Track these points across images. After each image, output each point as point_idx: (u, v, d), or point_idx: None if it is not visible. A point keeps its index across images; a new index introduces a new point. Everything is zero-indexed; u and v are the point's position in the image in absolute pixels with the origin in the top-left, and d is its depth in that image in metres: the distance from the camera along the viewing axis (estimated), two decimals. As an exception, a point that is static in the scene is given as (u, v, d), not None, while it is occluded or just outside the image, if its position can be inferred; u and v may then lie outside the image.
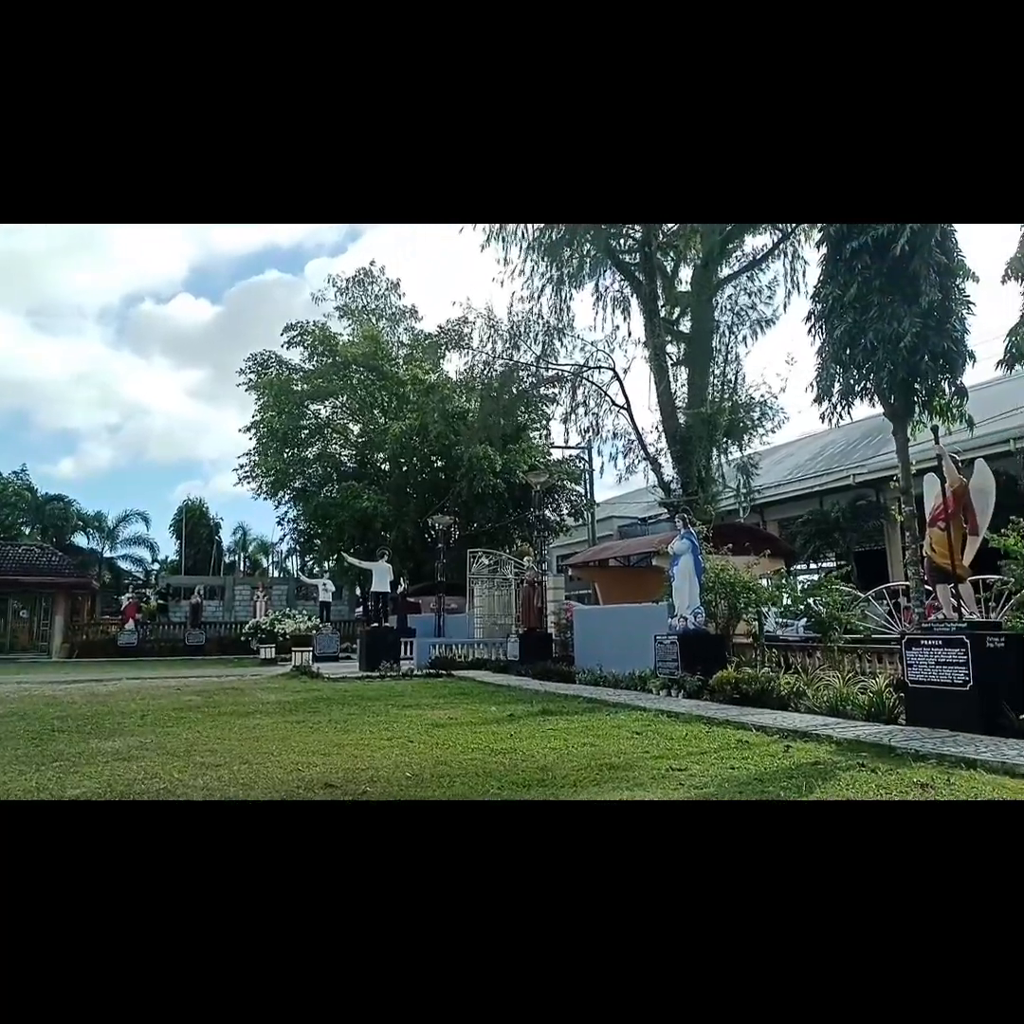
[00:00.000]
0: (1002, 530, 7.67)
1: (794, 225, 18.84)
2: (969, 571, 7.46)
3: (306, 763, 6.21)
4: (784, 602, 11.14)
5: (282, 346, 31.28)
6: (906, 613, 10.74)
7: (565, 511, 30.86)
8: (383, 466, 31.52)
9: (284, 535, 33.38)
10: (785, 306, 20.14)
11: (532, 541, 21.49)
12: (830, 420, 9.67)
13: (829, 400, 9.48)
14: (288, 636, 24.25)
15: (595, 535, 30.72)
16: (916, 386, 9.16)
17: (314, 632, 23.61)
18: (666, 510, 19.89)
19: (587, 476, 29.79)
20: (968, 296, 8.89)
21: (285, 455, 30.25)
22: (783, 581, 10.72)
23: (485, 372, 22.59)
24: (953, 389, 8.90)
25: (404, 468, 30.39)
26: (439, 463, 30.07)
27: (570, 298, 21.56)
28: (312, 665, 17.79)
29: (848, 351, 9.22)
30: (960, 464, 7.37)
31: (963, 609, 7.42)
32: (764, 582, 11.95)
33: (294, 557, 38.29)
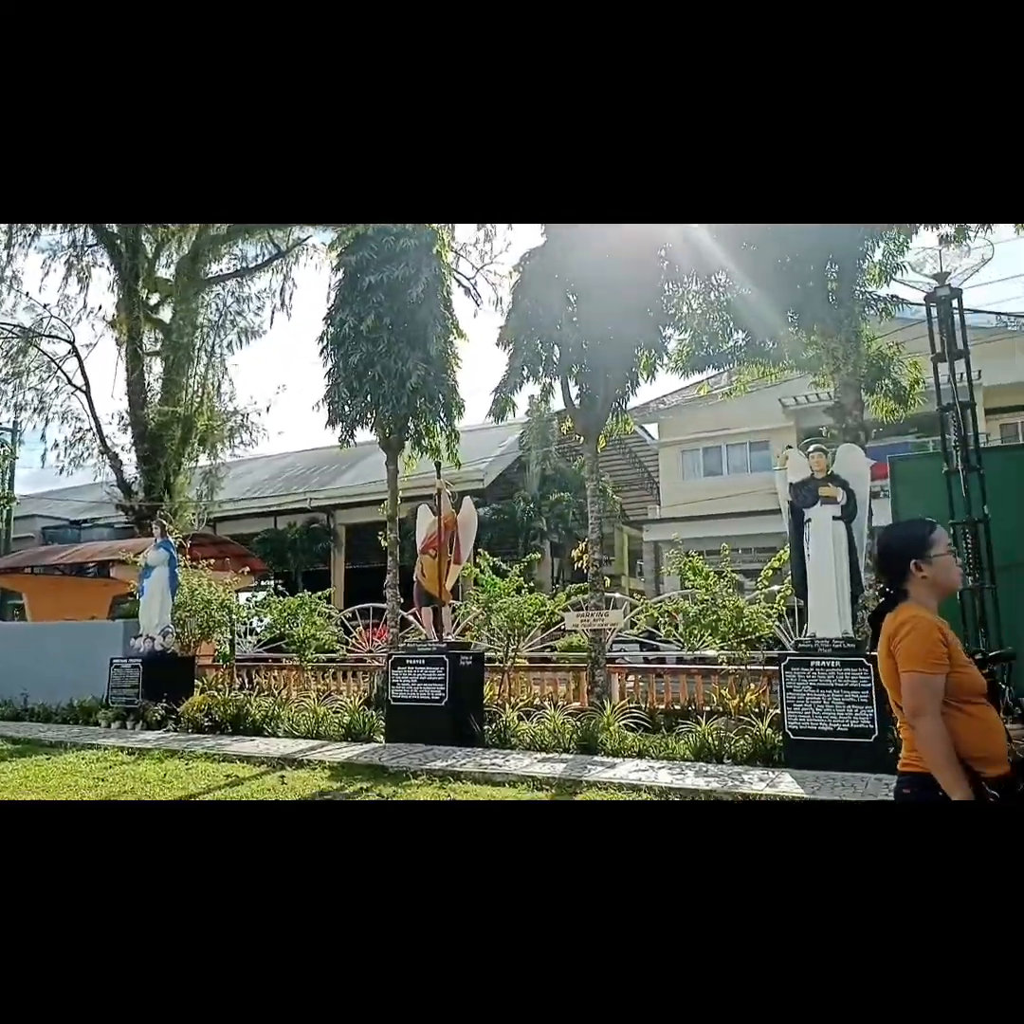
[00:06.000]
0: (477, 562, 8.73)
1: (292, 244, 18.98)
2: (451, 596, 8.27)
3: None
4: (264, 621, 10.76)
5: None
6: (381, 631, 11.41)
7: (-33, 504, 24.80)
8: None
9: None
10: (271, 321, 20.08)
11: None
12: (344, 442, 9.80)
13: (342, 424, 9.61)
14: None
15: (11, 536, 25.48)
16: (410, 425, 9.92)
17: None
18: (124, 513, 17.56)
19: (9, 464, 24.55)
20: (458, 353, 10.04)
21: None
22: (269, 599, 10.36)
23: None
24: (447, 431, 9.89)
25: None
26: None
27: (15, 245, 17.83)
28: None
29: (357, 381, 9.49)
30: (454, 497, 8.18)
31: (443, 631, 8.18)
32: (242, 599, 11.37)
33: None
